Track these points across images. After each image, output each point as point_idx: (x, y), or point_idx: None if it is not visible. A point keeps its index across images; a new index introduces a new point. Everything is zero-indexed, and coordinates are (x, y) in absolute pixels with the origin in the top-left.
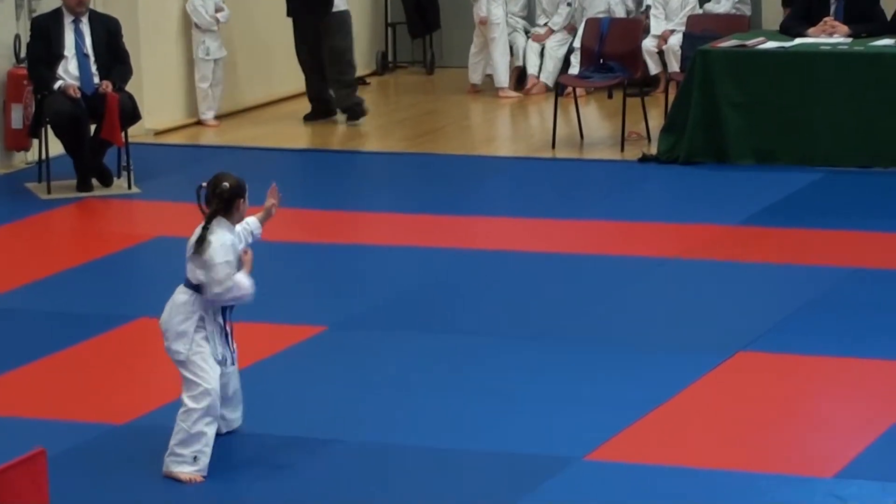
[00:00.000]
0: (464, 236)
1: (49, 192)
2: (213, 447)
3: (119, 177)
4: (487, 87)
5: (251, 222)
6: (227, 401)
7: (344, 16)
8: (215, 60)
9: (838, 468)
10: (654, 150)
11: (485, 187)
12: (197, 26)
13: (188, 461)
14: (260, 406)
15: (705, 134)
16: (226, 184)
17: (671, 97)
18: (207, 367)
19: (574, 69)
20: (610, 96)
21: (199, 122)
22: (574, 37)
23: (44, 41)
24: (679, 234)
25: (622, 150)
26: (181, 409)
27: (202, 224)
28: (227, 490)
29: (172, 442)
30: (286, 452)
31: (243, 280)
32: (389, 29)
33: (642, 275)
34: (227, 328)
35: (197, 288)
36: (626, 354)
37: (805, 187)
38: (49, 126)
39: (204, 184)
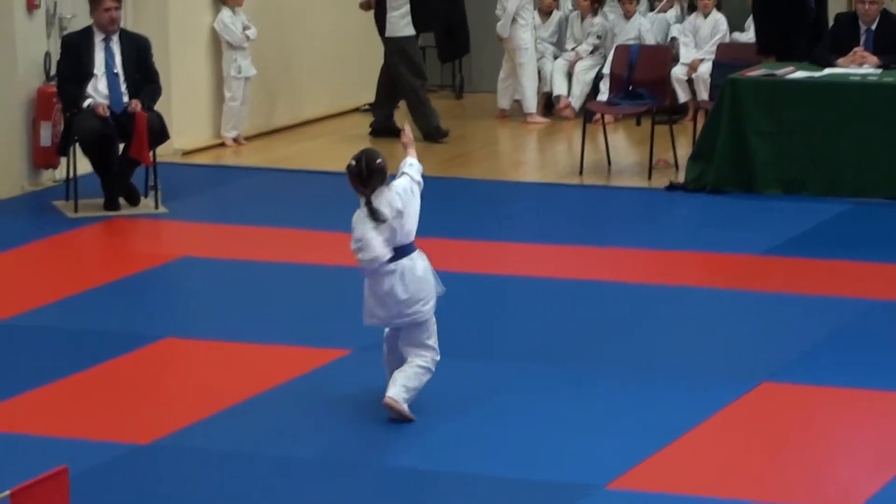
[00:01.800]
0: (489, 262)
1: (76, 211)
2: (236, 468)
3: (146, 196)
4: (516, 113)
5: (408, 162)
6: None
7: None
8: (246, 79)
9: (862, 501)
10: (681, 179)
11: (511, 213)
12: (229, 44)
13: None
14: (284, 429)
15: (733, 163)
16: (379, 160)
17: (699, 125)
18: None
19: (603, 96)
20: (638, 123)
21: (223, 143)
22: (604, 62)
23: (74, 59)
24: (705, 262)
25: (650, 177)
26: (431, 358)
27: (364, 200)
28: None
29: (413, 383)
30: (309, 475)
31: None
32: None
33: (667, 303)
34: None
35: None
36: (650, 383)
37: (832, 218)
38: (77, 144)
39: (353, 162)
